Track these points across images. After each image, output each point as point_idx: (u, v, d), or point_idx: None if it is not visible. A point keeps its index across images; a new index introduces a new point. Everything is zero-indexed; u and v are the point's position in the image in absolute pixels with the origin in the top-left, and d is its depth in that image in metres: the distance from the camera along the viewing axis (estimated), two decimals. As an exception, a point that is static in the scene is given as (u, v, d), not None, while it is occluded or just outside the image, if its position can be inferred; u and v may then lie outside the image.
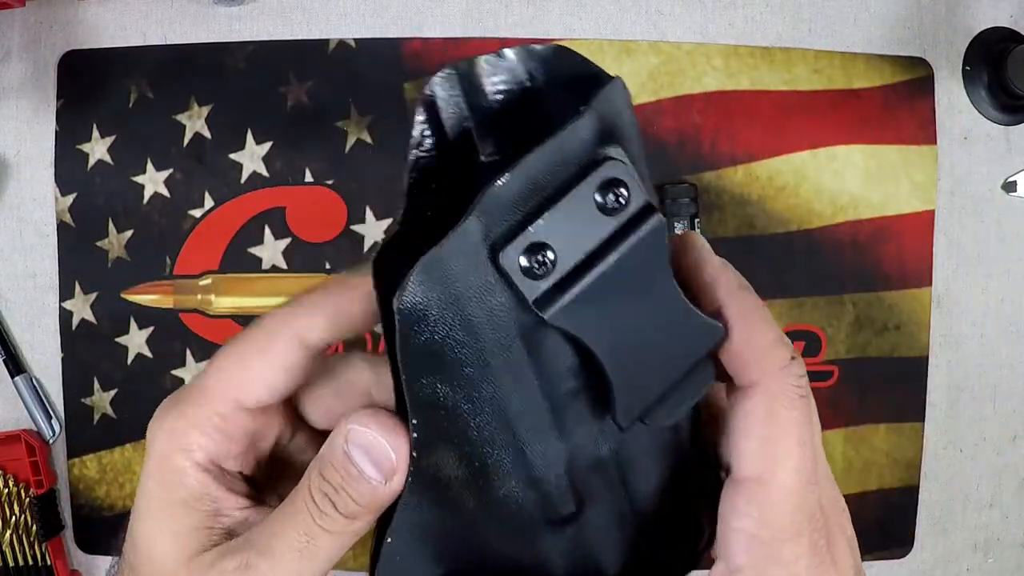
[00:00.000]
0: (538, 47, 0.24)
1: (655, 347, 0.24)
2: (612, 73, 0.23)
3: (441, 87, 0.25)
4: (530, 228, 0.21)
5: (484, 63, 0.24)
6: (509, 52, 0.24)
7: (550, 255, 0.21)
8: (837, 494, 0.27)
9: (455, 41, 0.67)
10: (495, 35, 0.67)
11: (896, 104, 0.68)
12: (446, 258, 0.21)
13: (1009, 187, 0.68)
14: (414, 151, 0.24)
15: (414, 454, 0.24)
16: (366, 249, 0.68)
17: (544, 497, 0.24)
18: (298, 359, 0.26)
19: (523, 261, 0.21)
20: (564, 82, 0.24)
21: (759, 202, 0.68)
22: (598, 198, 0.21)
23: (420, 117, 0.25)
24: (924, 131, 0.68)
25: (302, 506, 0.25)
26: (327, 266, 0.67)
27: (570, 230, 0.21)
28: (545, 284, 0.21)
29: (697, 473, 0.27)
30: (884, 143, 0.68)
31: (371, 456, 0.24)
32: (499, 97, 0.24)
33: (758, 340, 0.25)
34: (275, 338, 0.26)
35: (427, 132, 0.25)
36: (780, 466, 0.24)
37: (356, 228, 0.67)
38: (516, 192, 0.21)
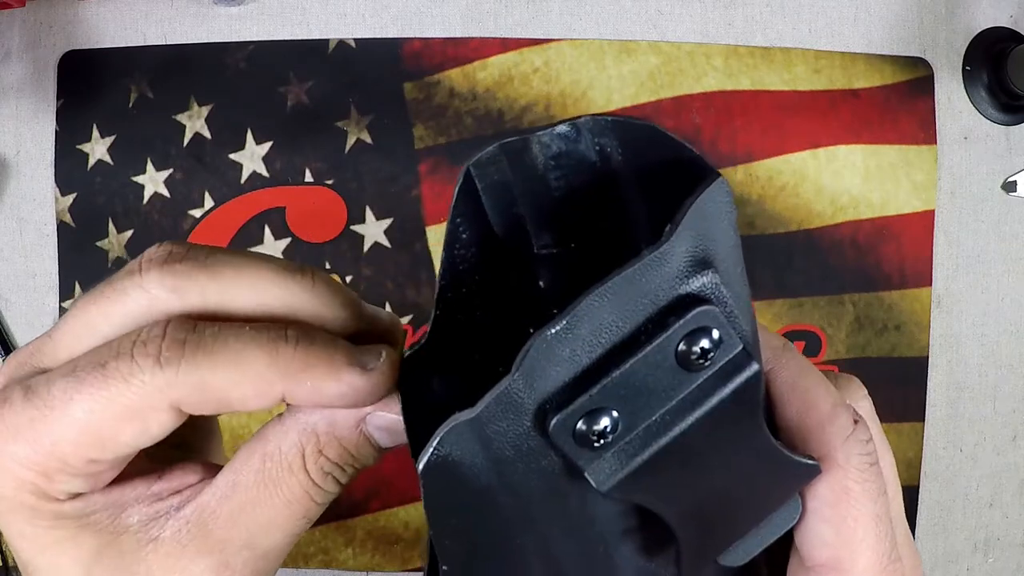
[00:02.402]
0: (611, 119, 0.19)
1: (736, 499, 0.20)
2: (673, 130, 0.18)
3: (484, 169, 0.19)
4: (590, 393, 0.17)
5: (539, 141, 0.19)
6: (569, 126, 0.19)
7: (612, 422, 0.17)
8: (917, 561, 0.24)
9: (455, 41, 0.67)
10: (495, 35, 0.67)
11: (896, 104, 0.68)
12: (482, 422, 0.17)
13: (1009, 187, 0.68)
14: (448, 250, 0.20)
15: None
16: (366, 249, 0.68)
17: None
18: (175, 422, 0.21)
19: (580, 426, 0.17)
20: (647, 164, 0.19)
21: (759, 202, 0.68)
22: (682, 347, 0.17)
23: (456, 208, 0.20)
24: (924, 131, 0.68)
25: (294, 494, 0.22)
26: (327, 266, 0.67)
27: (640, 391, 0.17)
28: (603, 454, 0.18)
29: None
30: (884, 143, 0.68)
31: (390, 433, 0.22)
32: (561, 181, 0.19)
33: (817, 409, 0.21)
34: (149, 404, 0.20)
35: (463, 227, 0.20)
36: (859, 549, 0.21)
37: (356, 228, 0.67)
38: (572, 343, 0.17)
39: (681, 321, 0.17)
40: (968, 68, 0.68)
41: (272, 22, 0.68)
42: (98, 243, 0.68)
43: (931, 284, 0.68)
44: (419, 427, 0.20)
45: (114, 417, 0.20)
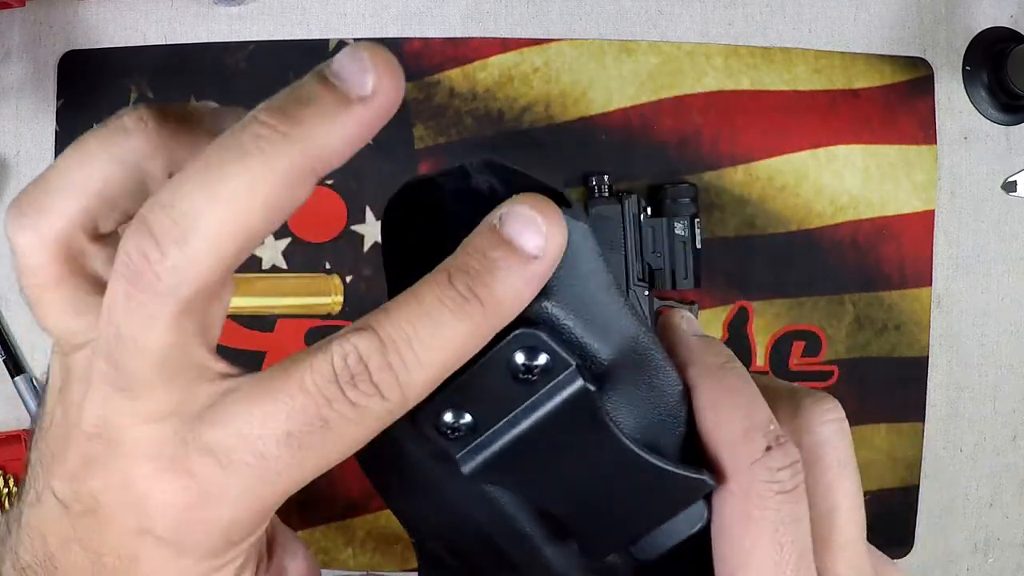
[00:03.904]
0: (492, 160, 0.22)
1: (614, 499, 0.23)
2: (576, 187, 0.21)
3: (402, 201, 0.23)
4: (444, 392, 0.21)
5: (439, 180, 0.23)
6: (458, 167, 0.22)
7: (469, 420, 0.21)
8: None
9: (455, 41, 0.67)
10: (495, 35, 0.67)
11: (896, 104, 0.68)
12: None
13: (1009, 187, 0.68)
14: (386, 269, 0.24)
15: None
16: (366, 249, 0.68)
17: None
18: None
19: (440, 420, 0.21)
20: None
21: (759, 202, 0.68)
22: (518, 362, 0.21)
23: (383, 230, 0.24)
24: (924, 131, 0.68)
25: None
26: (327, 266, 0.67)
27: (485, 396, 0.21)
28: (467, 445, 0.21)
29: None
30: (884, 143, 0.68)
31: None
32: (463, 212, 0.22)
33: (727, 430, 0.22)
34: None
35: (392, 248, 0.24)
36: (752, 571, 0.21)
37: (356, 228, 0.67)
38: None
39: (504, 340, 0.20)
40: (968, 68, 0.68)
41: (272, 22, 0.68)
42: (98, 243, 0.68)
43: (931, 284, 0.68)
44: None
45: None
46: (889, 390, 0.69)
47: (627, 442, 0.22)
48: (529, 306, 0.20)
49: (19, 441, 0.67)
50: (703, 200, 0.67)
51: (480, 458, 0.22)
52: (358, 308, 0.67)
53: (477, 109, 0.67)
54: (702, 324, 0.68)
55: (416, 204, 0.23)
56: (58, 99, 0.68)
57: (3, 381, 0.69)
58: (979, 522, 0.70)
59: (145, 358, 0.19)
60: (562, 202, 0.21)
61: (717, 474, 0.22)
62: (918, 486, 0.69)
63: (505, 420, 0.21)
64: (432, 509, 0.23)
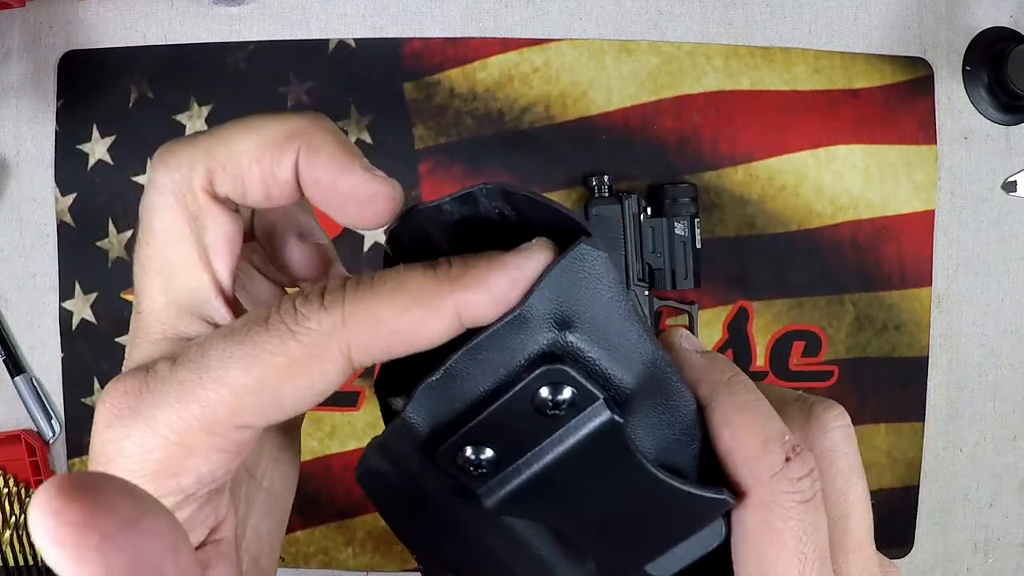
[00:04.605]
0: (493, 186, 0.22)
1: (636, 522, 0.23)
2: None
3: (405, 224, 0.23)
4: (466, 429, 0.20)
5: (443, 208, 0.22)
6: (463, 194, 0.22)
7: (490, 455, 0.21)
8: None
9: (455, 41, 0.67)
10: (495, 35, 0.67)
11: (896, 104, 0.68)
12: (387, 447, 0.21)
13: (1009, 187, 0.68)
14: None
15: None
16: (366, 250, 0.68)
17: None
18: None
19: (461, 457, 0.21)
20: (540, 223, 0.22)
21: (759, 202, 0.68)
22: (543, 396, 0.20)
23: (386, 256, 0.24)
24: (924, 131, 0.68)
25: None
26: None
27: (508, 432, 0.21)
28: (489, 480, 0.21)
29: None
30: (884, 143, 0.68)
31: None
32: (471, 239, 0.22)
33: (744, 445, 0.22)
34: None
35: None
36: None
37: (356, 228, 0.67)
38: (450, 390, 0.20)
39: (530, 377, 0.20)
40: (968, 68, 0.68)
41: (272, 22, 0.68)
42: (98, 243, 0.68)
43: (931, 284, 0.68)
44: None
45: (277, 372, 0.19)
46: (889, 390, 0.69)
47: (652, 468, 0.22)
48: (553, 340, 0.20)
49: (19, 441, 0.67)
50: (703, 200, 0.67)
51: (503, 492, 0.21)
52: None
53: (477, 109, 0.67)
54: (702, 324, 0.68)
55: (420, 230, 0.23)
56: (58, 99, 0.68)
57: (3, 381, 0.69)
58: (979, 522, 0.70)
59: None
60: (581, 231, 0.20)
61: (736, 488, 0.22)
62: (918, 486, 0.69)
63: (529, 454, 0.21)
64: (446, 539, 0.23)
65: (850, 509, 0.24)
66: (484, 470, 0.21)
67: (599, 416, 0.21)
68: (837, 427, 0.24)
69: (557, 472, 0.21)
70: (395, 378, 0.23)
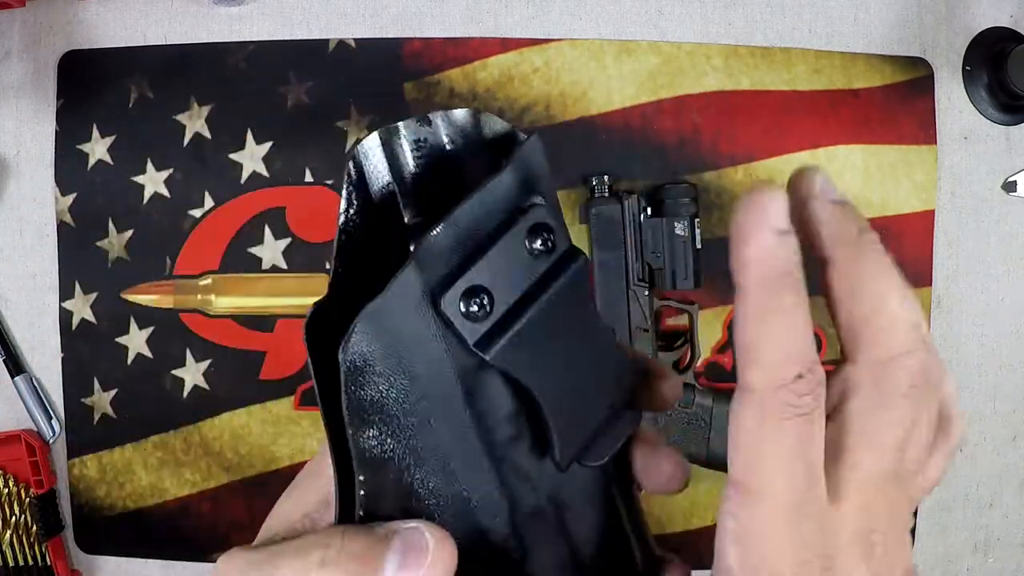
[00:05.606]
0: (456, 112, 0.25)
1: (587, 387, 0.25)
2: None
3: (369, 152, 0.25)
4: (468, 272, 0.22)
5: (404, 129, 0.25)
6: (432, 117, 0.25)
7: (487, 298, 0.23)
8: (878, 534, 0.24)
9: (455, 41, 0.67)
10: (495, 35, 0.67)
11: (896, 104, 0.68)
12: (388, 307, 0.22)
13: (1009, 187, 0.68)
14: (342, 213, 0.26)
15: (361, 512, 0.24)
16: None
17: (489, 547, 0.25)
18: None
19: (463, 306, 0.22)
20: (483, 144, 0.25)
21: (759, 202, 0.68)
22: (528, 243, 0.23)
23: (348, 180, 0.26)
24: (924, 131, 0.68)
25: None
26: (327, 266, 0.67)
27: (504, 273, 0.23)
28: (484, 326, 0.23)
29: (627, 510, 0.28)
30: (884, 143, 0.68)
31: None
32: (421, 162, 0.25)
33: (765, 351, 0.23)
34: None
35: (354, 196, 0.26)
36: (765, 480, 0.23)
37: (356, 228, 0.67)
38: (451, 241, 0.22)
39: (525, 216, 0.23)
40: (968, 68, 0.68)
41: (272, 22, 0.68)
42: (98, 243, 0.68)
43: (931, 284, 0.68)
44: (326, 377, 0.24)
45: None
46: (889, 390, 0.69)
47: (600, 320, 0.26)
48: (526, 194, 0.24)
49: (19, 441, 0.67)
50: (703, 200, 0.67)
51: (502, 340, 0.23)
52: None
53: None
54: (702, 324, 0.68)
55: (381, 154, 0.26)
56: (58, 99, 0.68)
57: (3, 381, 0.69)
58: (979, 522, 0.70)
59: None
60: (516, 139, 0.25)
61: (741, 379, 0.24)
62: (918, 486, 0.69)
63: (521, 296, 0.23)
64: (409, 439, 0.24)
65: (952, 409, 0.26)
66: (487, 310, 0.23)
67: (577, 258, 0.24)
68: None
69: (543, 318, 0.24)
70: (323, 323, 0.25)
